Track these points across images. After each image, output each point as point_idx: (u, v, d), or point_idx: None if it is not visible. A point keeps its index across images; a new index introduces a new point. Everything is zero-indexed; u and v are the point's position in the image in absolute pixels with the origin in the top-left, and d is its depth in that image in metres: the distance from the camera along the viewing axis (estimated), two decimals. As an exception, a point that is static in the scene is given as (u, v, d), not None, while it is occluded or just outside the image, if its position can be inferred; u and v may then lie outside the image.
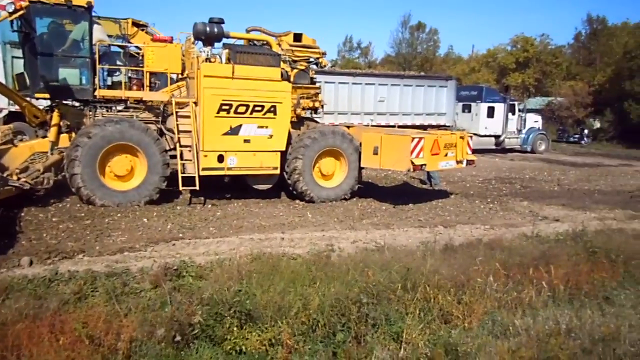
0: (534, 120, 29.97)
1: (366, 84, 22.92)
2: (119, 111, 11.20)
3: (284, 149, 11.50)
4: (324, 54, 13.18)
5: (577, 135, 38.76)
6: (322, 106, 13.31)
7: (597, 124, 41.84)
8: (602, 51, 48.93)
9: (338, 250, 7.92)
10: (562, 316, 5.78)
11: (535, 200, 13.53)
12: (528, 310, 6.05)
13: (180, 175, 10.51)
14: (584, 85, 43.94)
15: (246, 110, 10.90)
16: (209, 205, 10.96)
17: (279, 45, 12.49)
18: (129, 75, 11.40)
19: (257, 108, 10.99)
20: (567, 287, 6.68)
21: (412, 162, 11.22)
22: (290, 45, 12.65)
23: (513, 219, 11.13)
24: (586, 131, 38.81)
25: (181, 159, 10.66)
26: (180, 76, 12.16)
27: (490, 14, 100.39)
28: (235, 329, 5.01)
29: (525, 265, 7.01)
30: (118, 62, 11.73)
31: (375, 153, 11.69)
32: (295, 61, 12.61)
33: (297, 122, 12.42)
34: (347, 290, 5.78)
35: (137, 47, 12.18)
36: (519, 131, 28.56)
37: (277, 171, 11.52)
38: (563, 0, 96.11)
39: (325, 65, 13.90)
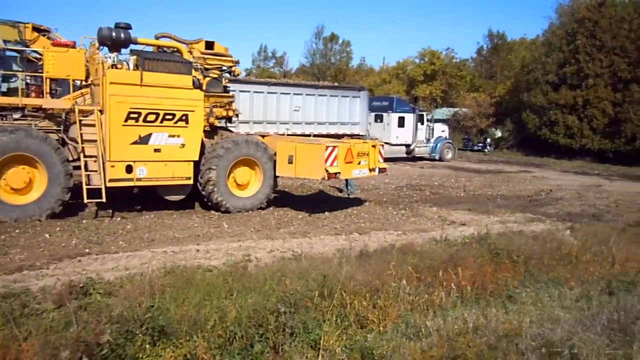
0: (441, 130, 31.61)
1: (281, 93, 23.08)
2: (16, 119, 10.49)
3: (197, 158, 11.30)
4: (237, 62, 13.13)
5: (480, 144, 41.25)
6: (237, 115, 13.25)
7: (499, 133, 44.73)
8: (502, 65, 52.59)
9: (255, 260, 7.89)
10: (469, 315, 6.09)
11: (444, 205, 14.24)
12: (439, 311, 6.33)
13: (84, 187, 10.02)
14: (486, 96, 46.93)
15: (156, 119, 10.61)
16: (118, 218, 10.53)
17: (190, 52, 12.31)
18: (27, 81, 10.76)
19: (167, 116, 10.73)
20: (474, 287, 7.07)
21: (327, 171, 11.42)
22: (202, 53, 12.50)
23: (423, 224, 11.63)
24: (489, 140, 41.41)
25: (86, 169, 10.18)
26: (84, 83, 11.62)
27: (400, 27, 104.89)
28: (147, 346, 4.82)
29: (436, 268, 7.34)
30: (15, 67, 11.01)
31: (290, 162, 11.80)
32: (207, 69, 12.48)
33: (211, 132, 12.27)
34: (265, 300, 5.76)
35: (36, 51, 11.49)
36: (428, 140, 30.00)
37: (190, 181, 11.28)
38: (466, 16, 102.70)
39: (238, 74, 13.84)
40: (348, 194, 15.25)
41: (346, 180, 14.57)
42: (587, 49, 35.07)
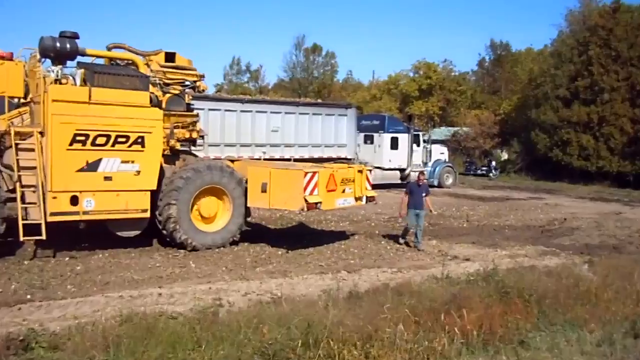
0: (440, 152, 31.99)
1: (257, 111, 23.11)
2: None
3: (154, 187, 11.25)
4: (202, 76, 13.25)
5: (484, 168, 41.72)
6: (202, 137, 13.28)
7: (505, 155, 45.39)
8: (506, 78, 53.72)
9: (227, 305, 7.90)
10: (477, 365, 6.13)
11: (444, 238, 14.36)
12: (441, 360, 6.35)
13: (20, 222, 9.91)
14: (490, 114, 47.66)
15: (107, 142, 10.60)
16: (67, 258, 10.47)
17: (148, 65, 12.38)
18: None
19: (120, 139, 10.73)
20: (481, 332, 7.09)
21: (306, 200, 11.39)
22: (162, 66, 12.58)
23: (422, 259, 11.73)
24: (494, 163, 41.89)
25: (22, 202, 10.10)
26: (22, 101, 11.61)
27: (391, 38, 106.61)
28: (99, 408, 4.78)
29: (436, 311, 7.36)
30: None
31: (264, 190, 11.71)
32: (167, 84, 12.54)
33: (172, 156, 12.26)
34: (239, 352, 5.76)
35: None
36: (425, 164, 30.19)
37: (147, 214, 11.20)
38: (465, 24, 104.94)
39: (204, 90, 13.95)
40: (417, 246, 13.09)
41: (417, 229, 13.21)
42: (601, 60, 35.92)
